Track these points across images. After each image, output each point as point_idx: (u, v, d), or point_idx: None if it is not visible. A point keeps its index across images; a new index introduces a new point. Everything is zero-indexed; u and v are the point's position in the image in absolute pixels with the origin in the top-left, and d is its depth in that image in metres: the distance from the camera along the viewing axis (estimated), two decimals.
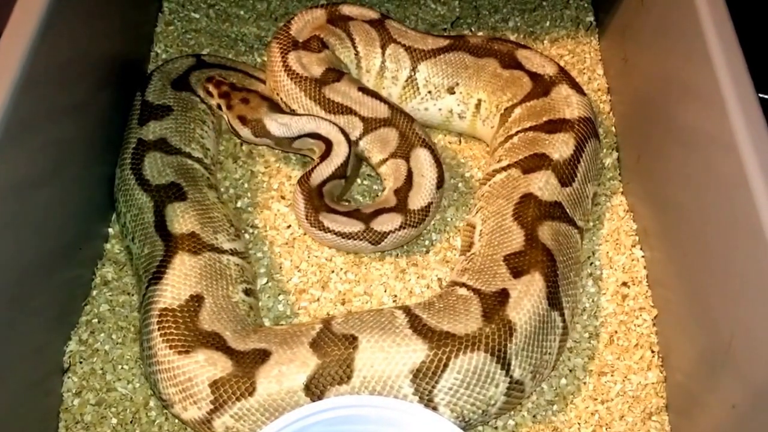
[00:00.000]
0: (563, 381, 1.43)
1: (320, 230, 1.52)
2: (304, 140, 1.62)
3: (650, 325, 1.48)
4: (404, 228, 1.52)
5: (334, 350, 1.27)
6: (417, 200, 1.53)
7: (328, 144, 1.59)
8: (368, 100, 1.62)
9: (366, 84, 1.74)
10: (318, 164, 1.58)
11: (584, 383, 1.42)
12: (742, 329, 1.17)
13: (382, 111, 1.61)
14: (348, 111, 1.61)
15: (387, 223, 1.52)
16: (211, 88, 1.67)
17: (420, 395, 1.27)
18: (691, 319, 1.35)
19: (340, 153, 1.58)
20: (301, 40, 1.68)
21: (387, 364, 1.26)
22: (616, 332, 1.48)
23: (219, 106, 1.67)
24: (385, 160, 1.60)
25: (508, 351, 1.29)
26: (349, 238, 1.52)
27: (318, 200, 1.54)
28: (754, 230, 1.13)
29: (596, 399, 1.41)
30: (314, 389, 1.26)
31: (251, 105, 1.64)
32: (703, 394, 1.27)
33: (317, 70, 1.63)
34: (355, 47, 1.73)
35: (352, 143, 1.60)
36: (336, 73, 1.64)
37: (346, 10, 1.76)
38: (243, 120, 1.63)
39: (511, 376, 1.30)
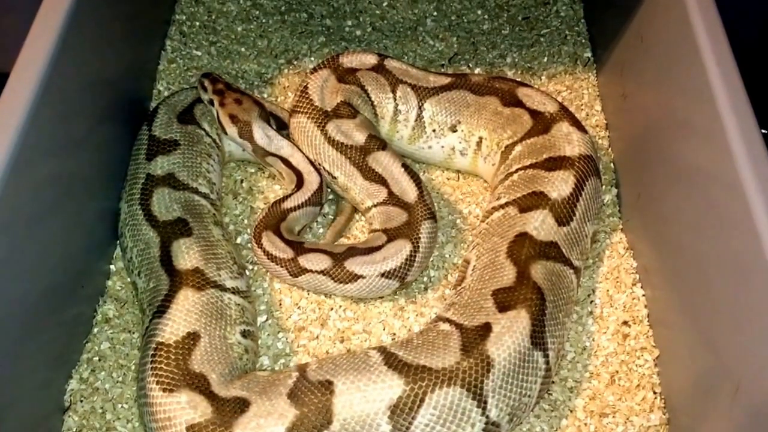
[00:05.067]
0: (564, 422, 1.42)
1: (256, 245, 1.56)
2: (276, 160, 1.67)
3: (652, 365, 1.47)
4: (325, 275, 1.51)
5: (312, 399, 1.27)
6: (357, 265, 1.51)
7: (299, 175, 1.64)
8: (404, 180, 1.61)
9: (381, 130, 1.75)
10: (294, 192, 1.62)
11: (585, 424, 1.41)
12: (750, 371, 1.15)
13: (410, 195, 1.60)
14: (381, 181, 1.62)
15: (313, 261, 1.52)
16: (206, 83, 1.71)
17: None
18: (695, 360, 1.34)
19: (312, 181, 1.63)
20: (329, 109, 1.67)
21: (365, 403, 1.26)
22: (617, 372, 1.47)
23: (211, 102, 1.70)
24: (377, 230, 1.60)
25: (485, 387, 1.28)
26: (273, 262, 1.54)
27: (273, 221, 1.58)
28: (758, 268, 1.13)
29: None
30: None
31: (243, 107, 1.68)
32: None
33: (360, 138, 1.64)
34: (369, 98, 1.74)
35: (322, 175, 1.65)
36: (378, 140, 1.65)
37: (347, 62, 1.76)
38: (233, 119, 1.67)
39: (487, 416, 1.29)
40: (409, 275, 1.54)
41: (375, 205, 1.62)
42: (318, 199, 1.63)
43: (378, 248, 1.53)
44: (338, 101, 1.68)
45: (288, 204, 1.61)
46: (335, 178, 1.65)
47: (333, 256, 1.52)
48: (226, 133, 1.69)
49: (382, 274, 1.51)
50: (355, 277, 1.50)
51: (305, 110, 1.68)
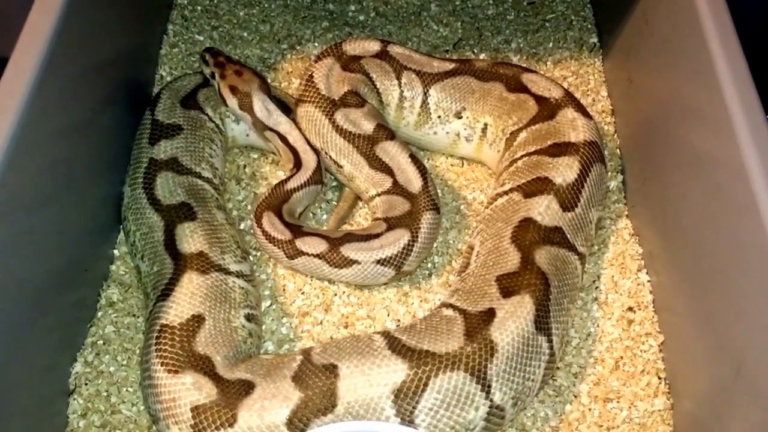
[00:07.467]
0: (568, 407, 1.42)
1: (256, 225, 1.57)
2: (273, 136, 1.67)
3: (657, 351, 1.47)
4: (320, 258, 1.51)
5: (317, 382, 1.27)
6: (353, 250, 1.50)
7: (295, 154, 1.65)
8: (411, 171, 1.60)
9: (387, 117, 1.74)
10: (295, 173, 1.63)
11: (590, 409, 1.41)
12: (752, 356, 1.15)
13: (414, 186, 1.59)
14: (387, 170, 1.61)
15: (310, 244, 1.52)
16: (208, 56, 1.72)
17: (402, 416, 1.27)
18: (699, 345, 1.34)
19: (309, 160, 1.64)
20: (336, 98, 1.66)
21: (369, 387, 1.26)
22: (621, 358, 1.47)
23: (213, 75, 1.70)
24: (378, 219, 1.59)
25: (489, 372, 1.29)
26: (270, 242, 1.54)
27: (276, 202, 1.59)
28: (763, 254, 1.12)
29: (602, 426, 1.39)
30: (297, 423, 1.25)
31: (244, 78, 1.68)
32: (712, 423, 1.26)
33: (368, 127, 1.63)
34: (375, 86, 1.73)
35: (319, 153, 1.65)
36: (386, 130, 1.64)
37: (350, 49, 1.75)
38: (233, 90, 1.67)
39: (491, 400, 1.30)
40: (406, 265, 1.53)
41: (379, 194, 1.61)
42: (318, 177, 1.63)
43: (377, 236, 1.53)
44: (345, 90, 1.67)
45: (291, 185, 1.61)
46: (341, 167, 1.65)
47: (330, 241, 1.52)
48: (226, 105, 1.69)
49: (378, 261, 1.50)
50: (350, 262, 1.50)
51: (312, 99, 1.67)
